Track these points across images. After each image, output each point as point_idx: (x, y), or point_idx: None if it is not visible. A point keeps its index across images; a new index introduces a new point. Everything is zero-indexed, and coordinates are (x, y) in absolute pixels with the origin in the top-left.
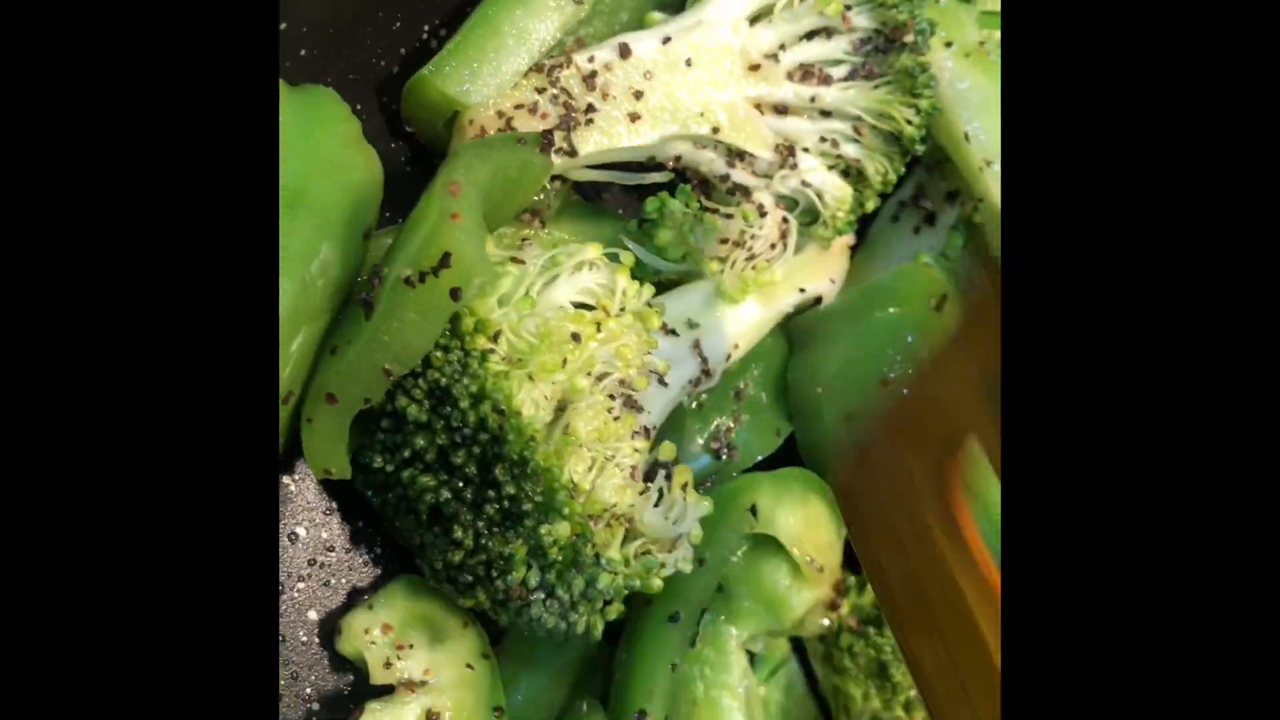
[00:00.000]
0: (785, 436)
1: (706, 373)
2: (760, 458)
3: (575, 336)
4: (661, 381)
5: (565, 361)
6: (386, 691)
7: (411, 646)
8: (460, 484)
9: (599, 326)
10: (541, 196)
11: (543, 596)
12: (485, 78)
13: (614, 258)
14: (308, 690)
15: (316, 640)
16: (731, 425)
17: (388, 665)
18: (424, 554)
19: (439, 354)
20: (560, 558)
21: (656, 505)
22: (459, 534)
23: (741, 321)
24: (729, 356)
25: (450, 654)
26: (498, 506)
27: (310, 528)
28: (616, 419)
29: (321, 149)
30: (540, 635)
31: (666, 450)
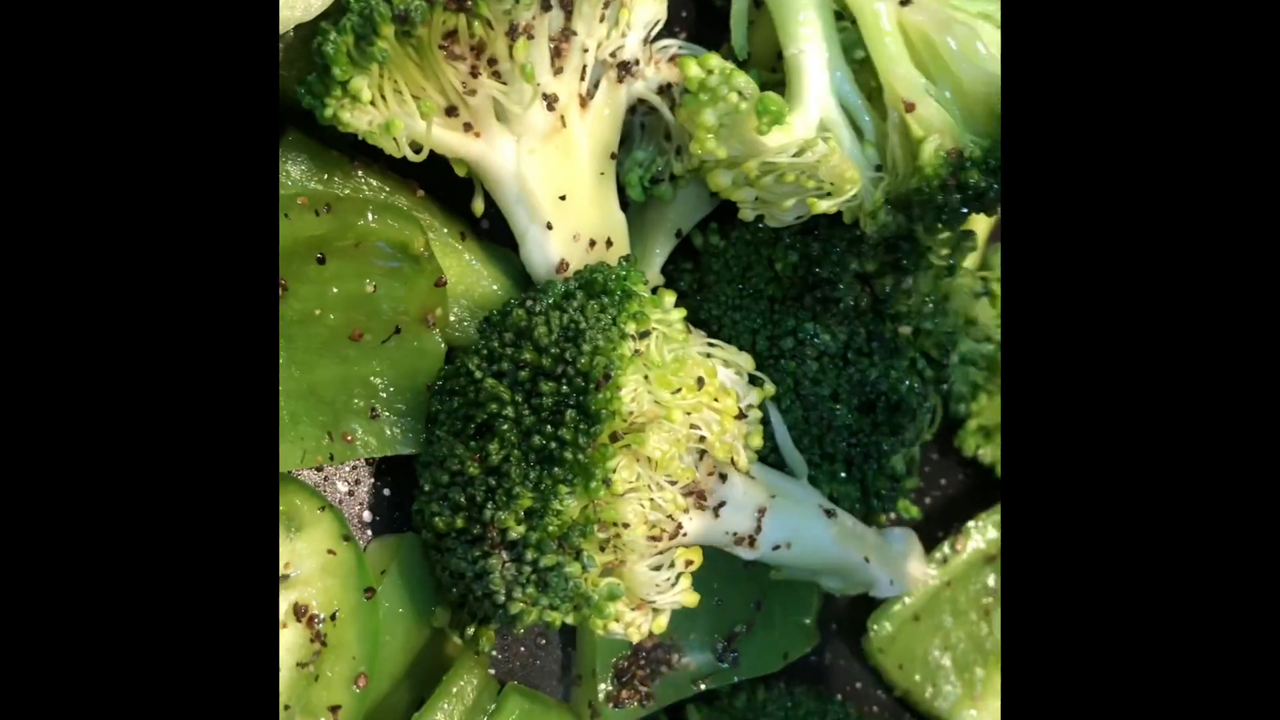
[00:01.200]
0: (791, 661)
1: (751, 542)
2: (760, 674)
3: (700, 381)
4: (715, 512)
5: (678, 391)
6: None
7: None
8: (527, 410)
9: (718, 399)
10: None
11: (505, 558)
12: None
13: (759, 382)
14: None
15: None
16: (743, 632)
17: None
18: (436, 464)
19: (594, 306)
20: (552, 528)
21: (654, 567)
22: (492, 448)
23: (813, 537)
24: (777, 548)
25: (309, 542)
26: (544, 442)
27: None
28: (682, 464)
29: None
30: (476, 598)
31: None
